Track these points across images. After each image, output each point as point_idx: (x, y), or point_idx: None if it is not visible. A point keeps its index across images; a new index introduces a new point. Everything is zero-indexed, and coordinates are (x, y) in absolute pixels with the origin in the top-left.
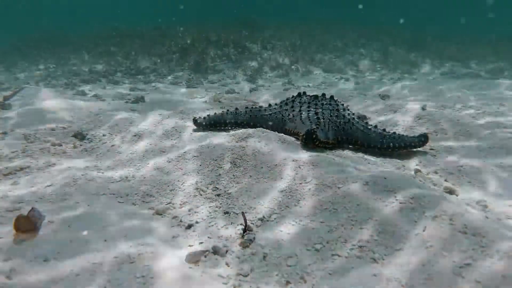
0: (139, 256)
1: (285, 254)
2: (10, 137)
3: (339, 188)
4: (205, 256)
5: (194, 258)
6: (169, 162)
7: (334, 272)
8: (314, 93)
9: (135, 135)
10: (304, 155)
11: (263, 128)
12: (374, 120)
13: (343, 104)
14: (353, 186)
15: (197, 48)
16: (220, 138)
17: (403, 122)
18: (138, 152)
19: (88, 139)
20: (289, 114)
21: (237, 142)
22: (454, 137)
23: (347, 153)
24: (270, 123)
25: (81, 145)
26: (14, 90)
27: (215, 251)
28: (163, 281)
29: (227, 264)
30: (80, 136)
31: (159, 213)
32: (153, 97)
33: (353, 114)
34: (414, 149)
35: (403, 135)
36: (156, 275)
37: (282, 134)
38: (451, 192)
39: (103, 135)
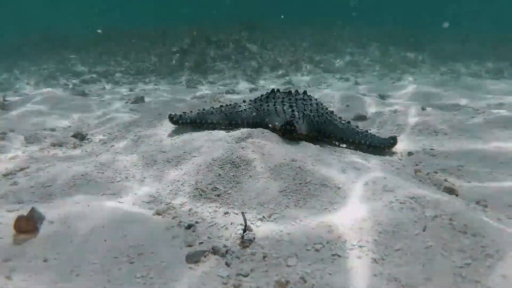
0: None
1: (285, 254)
2: (10, 137)
3: (339, 188)
4: (205, 256)
5: (194, 258)
6: (169, 162)
7: (334, 272)
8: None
9: (135, 135)
10: (303, 154)
11: (239, 124)
12: (373, 119)
13: (316, 99)
14: (352, 186)
15: (197, 48)
16: (219, 138)
17: (403, 122)
18: (138, 152)
19: (88, 139)
20: (264, 109)
21: (236, 142)
22: (454, 137)
23: (345, 151)
24: (246, 119)
25: (81, 145)
26: (15, 91)
27: (215, 251)
28: None
29: (227, 264)
30: (80, 136)
31: (159, 213)
32: (153, 97)
33: (327, 108)
34: (386, 150)
35: (374, 135)
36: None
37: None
38: (451, 192)
39: (103, 135)
